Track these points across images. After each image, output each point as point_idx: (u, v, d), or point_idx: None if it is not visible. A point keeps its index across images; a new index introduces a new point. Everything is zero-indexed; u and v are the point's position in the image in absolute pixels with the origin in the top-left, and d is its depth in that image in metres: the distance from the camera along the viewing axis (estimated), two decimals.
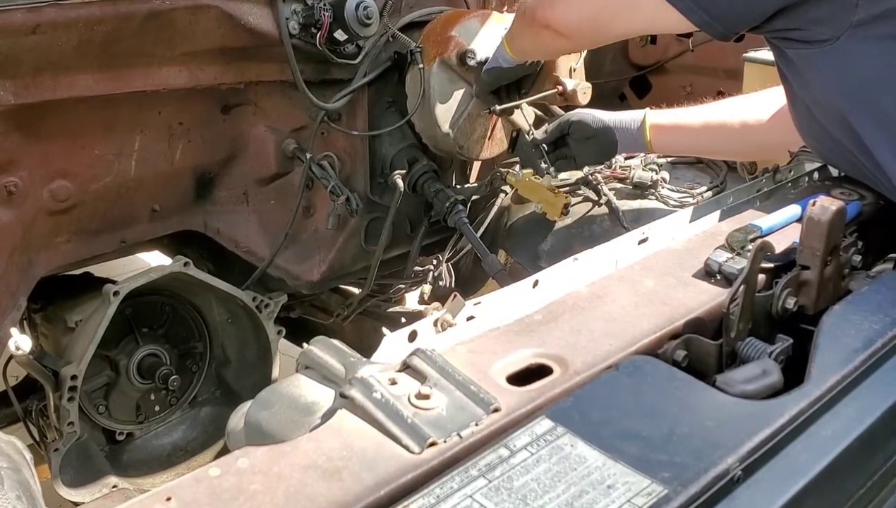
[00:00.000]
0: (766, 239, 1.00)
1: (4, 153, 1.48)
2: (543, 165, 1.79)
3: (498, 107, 1.80)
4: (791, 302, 0.91)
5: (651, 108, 1.74)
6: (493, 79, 1.74)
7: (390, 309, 2.38)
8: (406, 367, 0.76)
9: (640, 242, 1.05)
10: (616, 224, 1.78)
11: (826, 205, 0.90)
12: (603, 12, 1.33)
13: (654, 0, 1.17)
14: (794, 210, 1.12)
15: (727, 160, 1.97)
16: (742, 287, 0.84)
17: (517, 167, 1.90)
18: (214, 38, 1.59)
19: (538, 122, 1.97)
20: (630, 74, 2.61)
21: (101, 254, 1.79)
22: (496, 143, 1.98)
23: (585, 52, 1.77)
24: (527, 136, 1.81)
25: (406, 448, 0.67)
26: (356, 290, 2.23)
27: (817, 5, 1.08)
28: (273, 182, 1.90)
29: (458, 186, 2.09)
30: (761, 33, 1.19)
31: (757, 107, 1.60)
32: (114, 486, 1.69)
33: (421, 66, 1.78)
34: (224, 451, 1.80)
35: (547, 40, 1.47)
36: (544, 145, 1.79)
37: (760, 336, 0.87)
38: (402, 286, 2.32)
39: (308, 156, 1.79)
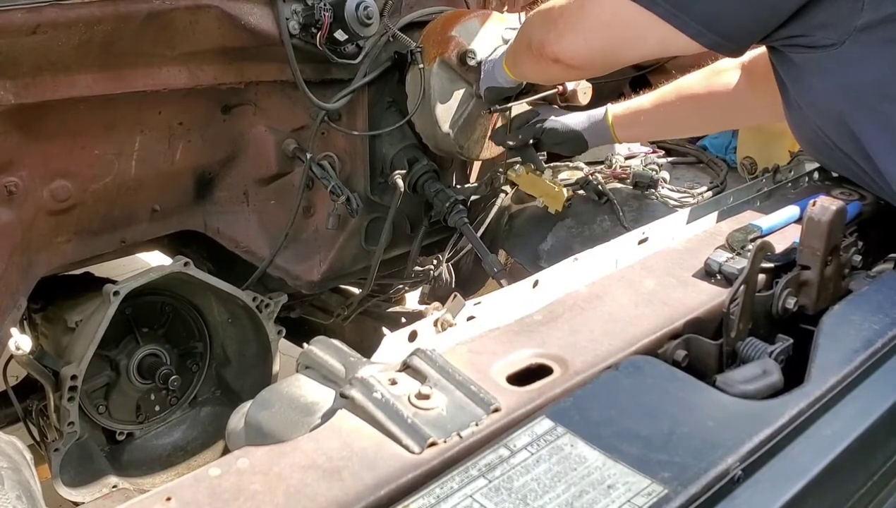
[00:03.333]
0: (766, 239, 1.00)
1: (4, 153, 1.48)
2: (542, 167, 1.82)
3: (498, 107, 1.80)
4: (791, 302, 0.91)
5: (612, 102, 1.76)
6: (494, 95, 1.78)
7: (390, 309, 2.38)
8: (406, 367, 0.76)
9: (640, 242, 1.05)
10: (616, 224, 1.79)
11: (826, 205, 0.90)
12: (612, 43, 1.30)
13: (662, 27, 1.16)
14: (792, 210, 1.12)
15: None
16: (742, 287, 0.84)
17: (517, 165, 1.90)
18: (214, 38, 1.58)
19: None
20: (630, 74, 2.61)
21: (102, 253, 1.79)
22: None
23: None
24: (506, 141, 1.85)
25: (406, 448, 0.67)
26: (356, 290, 2.23)
27: (823, 9, 1.08)
28: (273, 182, 1.90)
29: (458, 186, 2.09)
30: (767, 43, 1.19)
31: (707, 79, 1.61)
32: (114, 486, 1.69)
33: (421, 65, 1.78)
34: (224, 451, 1.81)
35: (555, 72, 1.46)
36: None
37: (760, 336, 0.87)
38: (403, 286, 2.31)
39: (308, 156, 1.79)
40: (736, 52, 1.17)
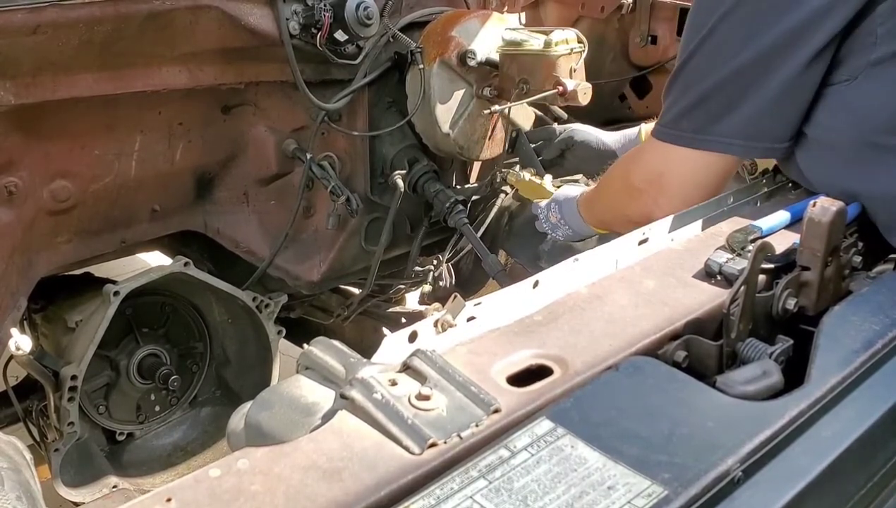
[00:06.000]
0: (766, 239, 1.00)
1: (4, 153, 1.48)
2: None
3: (497, 107, 1.80)
4: (791, 303, 0.91)
5: (646, 122, 1.75)
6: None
7: (390, 310, 2.38)
8: (406, 368, 0.76)
9: (640, 242, 1.05)
10: None
11: (826, 205, 0.90)
12: (706, 188, 1.27)
13: (732, 160, 1.21)
14: (783, 215, 1.11)
15: None
16: (742, 287, 0.84)
17: (517, 167, 1.90)
18: (214, 38, 1.59)
19: (537, 123, 1.97)
20: (630, 74, 2.61)
21: (102, 254, 1.79)
22: (496, 144, 1.98)
23: (585, 52, 1.77)
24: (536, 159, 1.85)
25: (406, 448, 0.67)
26: (356, 290, 2.23)
27: (839, 50, 1.07)
28: (273, 182, 1.90)
29: (458, 186, 2.09)
30: None
31: None
32: (114, 486, 1.69)
33: (421, 66, 1.78)
34: (224, 451, 1.81)
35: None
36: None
37: (761, 336, 0.86)
38: (403, 286, 2.32)
39: (308, 156, 1.79)
40: (790, 146, 1.17)
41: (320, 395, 0.78)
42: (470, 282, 2.19)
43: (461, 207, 1.89)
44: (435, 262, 2.15)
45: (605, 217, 1.52)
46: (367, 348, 0.83)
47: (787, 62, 1.07)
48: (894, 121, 1.06)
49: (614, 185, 1.43)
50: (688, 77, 1.17)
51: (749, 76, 1.10)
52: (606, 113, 2.55)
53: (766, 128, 1.14)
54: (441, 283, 2.13)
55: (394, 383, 0.73)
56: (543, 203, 1.67)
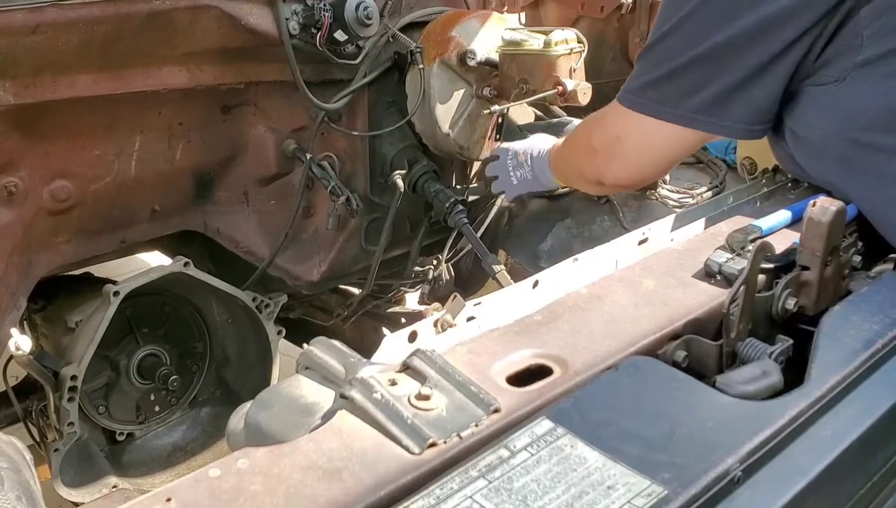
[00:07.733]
0: (766, 239, 1.00)
1: (4, 153, 1.48)
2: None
3: (498, 107, 1.80)
4: (791, 303, 0.91)
5: None
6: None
7: (390, 310, 2.38)
8: (406, 368, 0.76)
9: (640, 242, 1.05)
10: (616, 224, 1.79)
11: (826, 205, 0.90)
12: (660, 159, 1.32)
13: (700, 135, 1.23)
14: (785, 215, 1.11)
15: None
16: (742, 287, 0.84)
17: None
18: (214, 38, 1.59)
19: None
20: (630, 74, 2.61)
21: (102, 254, 1.79)
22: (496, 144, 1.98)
23: (585, 52, 1.78)
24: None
25: (406, 448, 0.67)
26: (356, 290, 2.23)
27: (825, 51, 1.08)
28: (273, 182, 1.90)
29: (458, 186, 2.09)
30: None
31: None
32: (114, 486, 1.69)
33: (421, 66, 1.78)
34: (224, 451, 1.81)
35: (620, 191, 1.59)
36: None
37: (760, 336, 0.86)
38: (402, 286, 2.32)
39: (308, 156, 1.79)
40: (765, 129, 1.19)
41: (320, 395, 0.79)
42: (470, 282, 2.19)
43: (461, 207, 1.89)
44: (435, 262, 2.15)
45: (567, 172, 1.60)
46: (367, 348, 0.83)
47: (757, 49, 1.10)
48: (879, 120, 1.07)
49: (579, 144, 1.50)
50: (660, 53, 1.20)
51: (719, 59, 1.12)
52: None
53: (729, 109, 1.16)
54: (441, 283, 2.13)
55: (393, 383, 0.74)
56: (514, 145, 1.72)
